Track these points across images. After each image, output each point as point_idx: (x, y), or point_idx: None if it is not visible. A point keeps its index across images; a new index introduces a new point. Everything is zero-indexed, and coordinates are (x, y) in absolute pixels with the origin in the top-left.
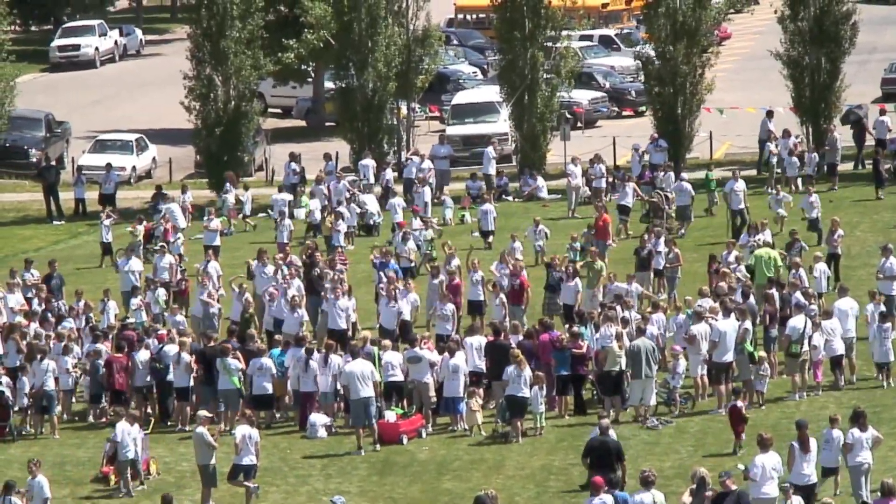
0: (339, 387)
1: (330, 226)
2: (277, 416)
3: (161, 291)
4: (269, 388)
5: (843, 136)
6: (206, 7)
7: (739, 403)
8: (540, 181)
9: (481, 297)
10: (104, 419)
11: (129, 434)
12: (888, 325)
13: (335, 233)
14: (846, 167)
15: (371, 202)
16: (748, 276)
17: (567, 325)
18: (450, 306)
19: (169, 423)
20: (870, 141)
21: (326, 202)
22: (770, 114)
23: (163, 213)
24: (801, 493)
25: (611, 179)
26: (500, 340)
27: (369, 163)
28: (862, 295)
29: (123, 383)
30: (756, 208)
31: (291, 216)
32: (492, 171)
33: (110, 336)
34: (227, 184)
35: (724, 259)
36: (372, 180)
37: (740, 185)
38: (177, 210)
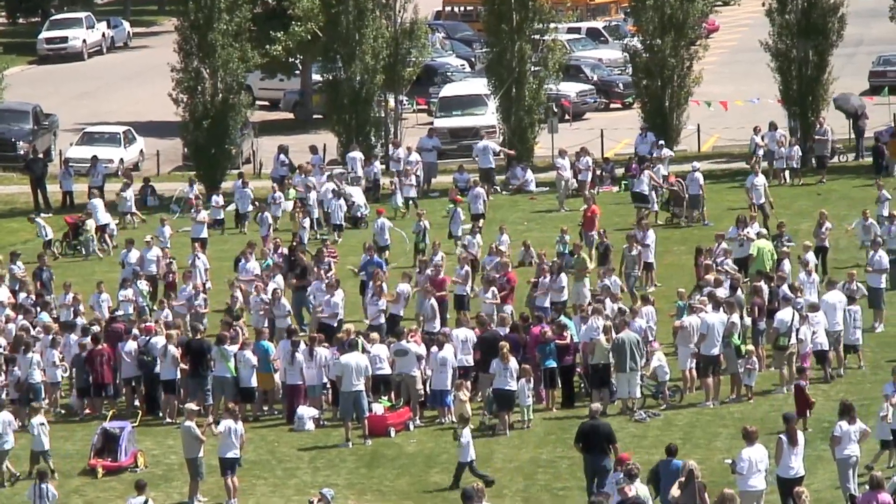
0: (325, 379)
1: (298, 221)
2: (265, 409)
3: (143, 283)
4: (253, 381)
5: (832, 127)
6: None
7: (803, 383)
8: (529, 174)
9: (467, 291)
10: (89, 411)
11: (10, 425)
12: (857, 307)
13: (301, 229)
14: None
15: (357, 194)
16: (736, 269)
17: (551, 319)
18: (432, 302)
19: (160, 416)
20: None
21: (307, 195)
22: None
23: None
24: (788, 486)
25: (598, 172)
26: (489, 332)
27: (357, 155)
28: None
29: (106, 375)
30: (745, 201)
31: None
32: (491, 165)
33: (94, 328)
34: (126, 180)
35: (715, 252)
36: (360, 173)
37: (760, 180)
38: (99, 206)
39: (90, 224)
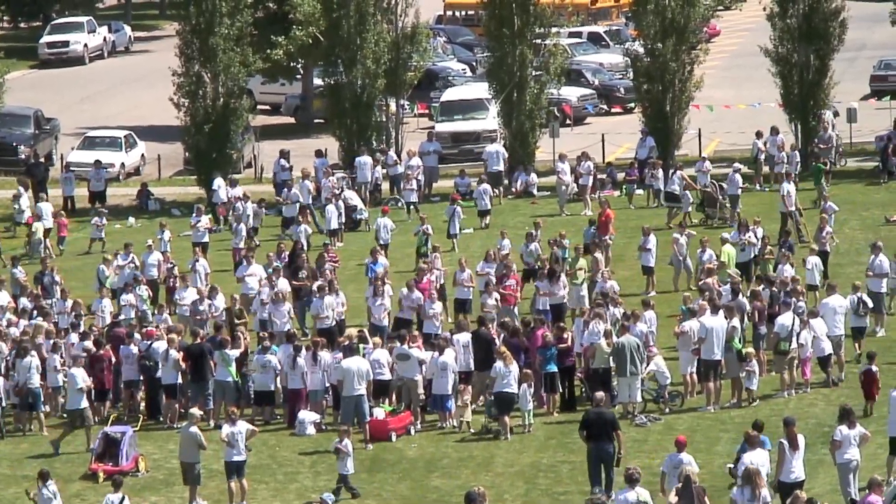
0: (327, 384)
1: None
2: (277, 413)
3: (143, 288)
4: (272, 385)
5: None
6: (195, 4)
7: (874, 368)
8: (533, 177)
9: (469, 296)
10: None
11: None
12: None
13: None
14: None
15: (354, 198)
16: (739, 273)
17: (555, 323)
18: (437, 305)
19: (160, 420)
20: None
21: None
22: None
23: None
24: (789, 489)
25: (600, 176)
26: (483, 331)
27: (367, 160)
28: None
29: (106, 381)
30: (746, 205)
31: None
32: (500, 169)
33: (96, 333)
34: (21, 188)
35: (700, 258)
36: (368, 178)
37: (794, 187)
38: (46, 209)
39: (37, 227)
